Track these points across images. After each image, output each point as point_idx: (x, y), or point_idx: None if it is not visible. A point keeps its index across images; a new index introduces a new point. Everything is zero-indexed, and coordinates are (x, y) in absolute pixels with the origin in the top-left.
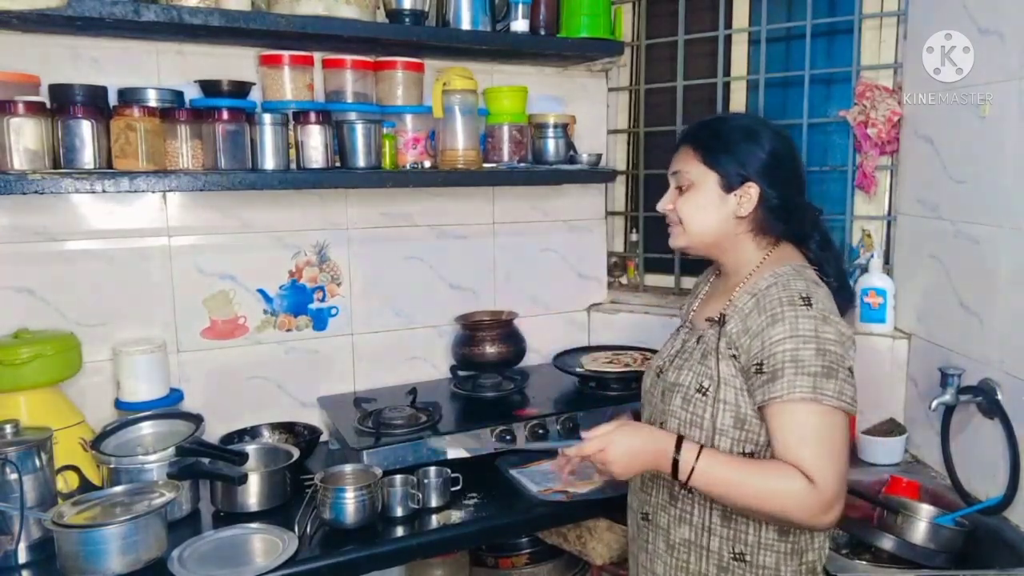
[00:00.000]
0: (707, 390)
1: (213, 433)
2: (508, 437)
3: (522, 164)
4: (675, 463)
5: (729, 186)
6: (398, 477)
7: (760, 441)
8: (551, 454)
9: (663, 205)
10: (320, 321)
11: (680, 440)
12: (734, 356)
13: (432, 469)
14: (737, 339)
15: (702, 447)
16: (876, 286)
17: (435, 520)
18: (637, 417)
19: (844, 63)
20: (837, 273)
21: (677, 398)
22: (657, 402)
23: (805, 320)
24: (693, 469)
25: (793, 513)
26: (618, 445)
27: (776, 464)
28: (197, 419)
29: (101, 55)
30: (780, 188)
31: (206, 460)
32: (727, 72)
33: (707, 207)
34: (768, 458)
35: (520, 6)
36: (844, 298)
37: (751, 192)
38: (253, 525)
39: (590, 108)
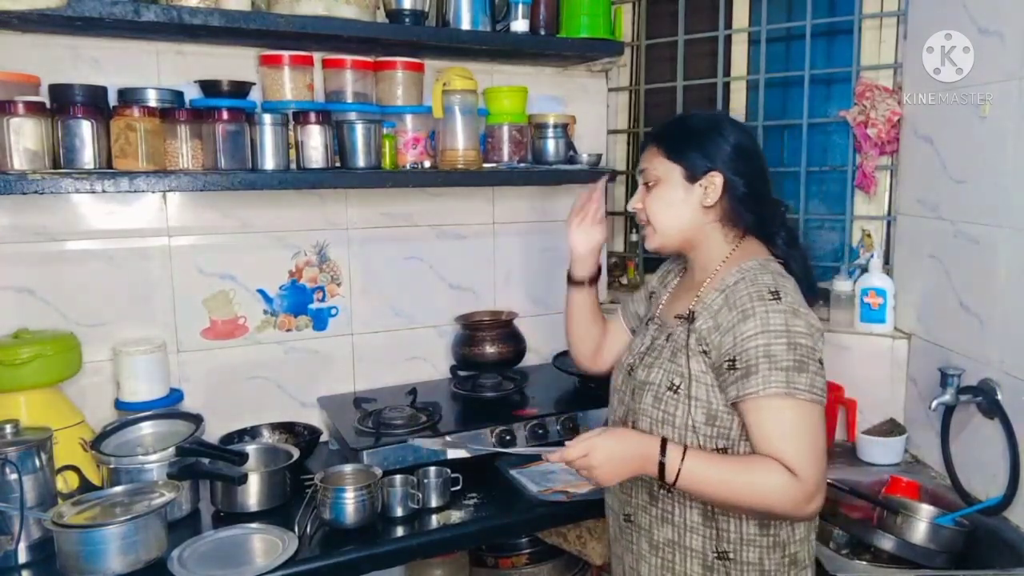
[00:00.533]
0: (678, 388)
1: (213, 433)
2: (508, 437)
3: (522, 164)
4: (661, 466)
5: (693, 176)
6: (398, 477)
7: (732, 436)
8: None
9: (632, 204)
10: (320, 321)
11: (664, 443)
12: (704, 352)
13: (432, 469)
14: (708, 336)
15: (686, 448)
16: (876, 286)
17: (435, 520)
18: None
19: (844, 63)
20: (803, 270)
21: (648, 396)
22: (628, 400)
23: (775, 315)
24: (679, 471)
25: (777, 506)
26: (600, 451)
27: (759, 459)
28: (197, 419)
29: (101, 55)
30: (745, 177)
31: (206, 460)
32: (727, 72)
33: (674, 202)
34: (744, 453)
35: (520, 6)
36: (810, 295)
37: (716, 181)
38: (253, 525)
39: (590, 108)
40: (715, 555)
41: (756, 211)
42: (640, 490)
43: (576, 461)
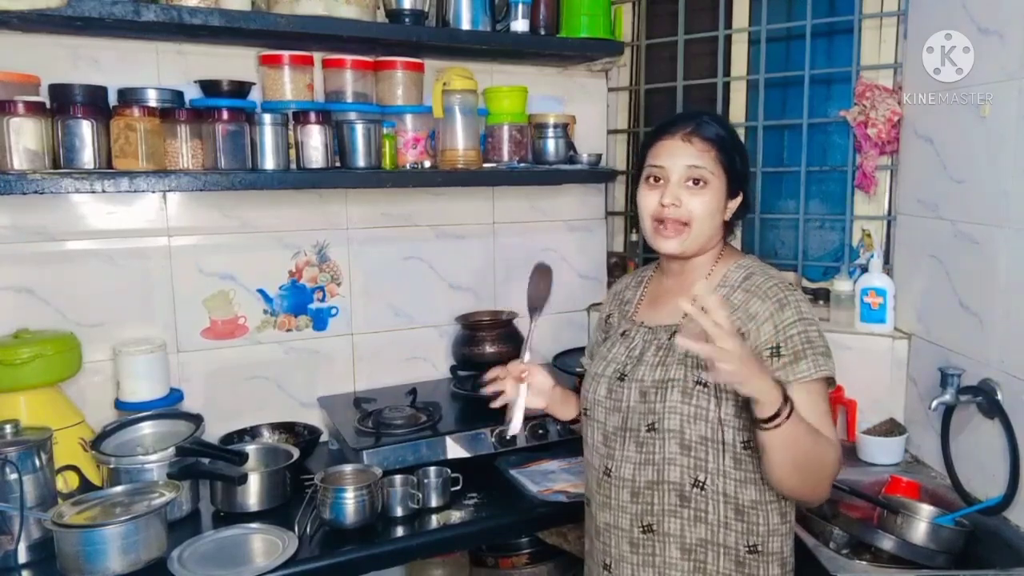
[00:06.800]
0: (706, 382)
1: (213, 433)
2: (508, 437)
3: (522, 164)
4: (786, 399)
5: (732, 192)
6: (398, 477)
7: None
8: (551, 452)
9: (673, 197)
10: (320, 321)
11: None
12: None
13: (432, 469)
14: (741, 325)
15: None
16: (876, 286)
17: (435, 520)
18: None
19: (844, 63)
20: None
21: (675, 393)
22: (634, 405)
23: (804, 303)
24: (792, 409)
25: (829, 477)
26: (742, 344)
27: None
28: (197, 419)
29: (101, 55)
30: (750, 195)
31: (206, 460)
32: (727, 72)
33: (717, 212)
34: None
35: (520, 6)
36: None
37: (738, 200)
38: (253, 525)
39: (590, 108)
40: (747, 549)
41: (739, 222)
42: (667, 494)
43: (723, 332)
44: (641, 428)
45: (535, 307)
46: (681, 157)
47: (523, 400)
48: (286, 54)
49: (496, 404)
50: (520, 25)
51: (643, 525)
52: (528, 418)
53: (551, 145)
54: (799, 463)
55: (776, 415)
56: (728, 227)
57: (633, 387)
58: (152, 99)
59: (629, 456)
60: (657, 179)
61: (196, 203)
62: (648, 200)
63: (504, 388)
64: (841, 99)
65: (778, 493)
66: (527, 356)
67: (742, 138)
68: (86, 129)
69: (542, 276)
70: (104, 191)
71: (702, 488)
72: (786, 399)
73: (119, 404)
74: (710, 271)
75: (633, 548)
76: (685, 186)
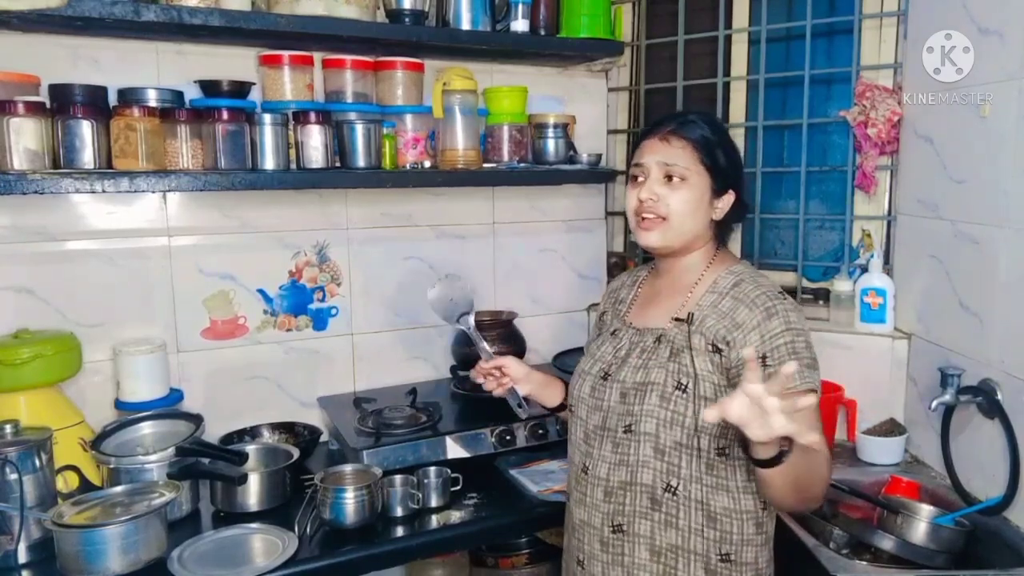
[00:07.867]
0: (686, 387)
1: (213, 433)
2: (508, 437)
3: (522, 164)
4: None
5: (717, 191)
6: (398, 477)
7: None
8: (551, 452)
9: (648, 192)
10: (320, 321)
11: None
12: (717, 351)
13: (432, 469)
14: (727, 334)
15: None
16: (876, 286)
17: (435, 520)
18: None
19: (844, 63)
20: None
21: (653, 396)
22: (613, 405)
23: (793, 313)
24: (791, 447)
25: (820, 490)
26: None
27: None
28: (197, 419)
29: (101, 55)
30: (744, 199)
31: (206, 460)
32: (727, 72)
33: (699, 208)
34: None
35: (520, 6)
36: None
37: (730, 200)
38: (253, 525)
39: (590, 108)
40: (719, 557)
41: (737, 224)
42: (639, 496)
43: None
44: (619, 429)
45: (461, 313)
46: (656, 155)
47: (514, 386)
48: (286, 54)
49: (497, 394)
50: (520, 25)
51: (613, 525)
52: (528, 418)
53: (551, 145)
54: (798, 487)
55: (778, 456)
56: (721, 228)
57: (615, 387)
58: (152, 99)
59: (605, 456)
60: (638, 177)
61: (196, 203)
62: (630, 197)
63: (491, 388)
64: (841, 99)
65: (758, 505)
66: (487, 354)
67: (742, 138)
68: (86, 129)
69: (446, 286)
70: (104, 191)
71: (674, 493)
72: (786, 439)
73: (119, 404)
74: (701, 274)
75: (603, 546)
76: (662, 182)
